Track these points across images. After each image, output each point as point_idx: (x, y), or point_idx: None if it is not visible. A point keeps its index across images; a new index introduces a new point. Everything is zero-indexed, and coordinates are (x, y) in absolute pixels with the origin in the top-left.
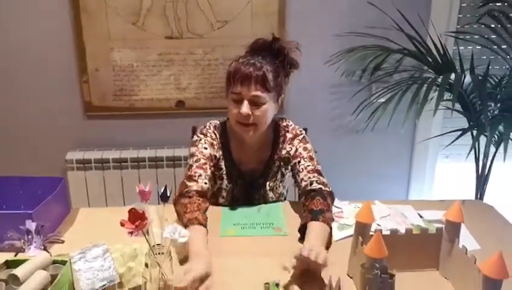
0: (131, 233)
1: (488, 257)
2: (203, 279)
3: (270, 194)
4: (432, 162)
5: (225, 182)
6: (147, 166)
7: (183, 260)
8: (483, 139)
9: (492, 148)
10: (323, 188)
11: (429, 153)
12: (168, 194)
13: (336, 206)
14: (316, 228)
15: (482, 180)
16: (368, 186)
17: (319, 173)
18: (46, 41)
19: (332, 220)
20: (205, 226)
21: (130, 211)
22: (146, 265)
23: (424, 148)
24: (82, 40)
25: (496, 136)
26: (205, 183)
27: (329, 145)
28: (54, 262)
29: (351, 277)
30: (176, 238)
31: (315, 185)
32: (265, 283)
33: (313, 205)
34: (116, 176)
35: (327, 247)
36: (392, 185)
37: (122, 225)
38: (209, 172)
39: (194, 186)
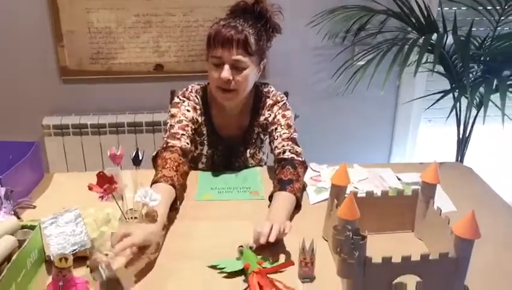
0: (101, 197)
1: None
2: (142, 248)
3: (251, 161)
4: (415, 126)
5: (205, 148)
6: (126, 131)
7: None
8: (464, 102)
9: (474, 111)
10: (295, 157)
11: (412, 116)
12: (140, 158)
13: (313, 170)
14: (282, 198)
15: (462, 143)
16: (349, 151)
17: (294, 142)
18: (17, 2)
19: (303, 189)
20: (176, 190)
21: (98, 175)
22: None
23: (407, 111)
24: (56, 1)
25: (477, 98)
26: (187, 143)
27: (310, 109)
28: (23, 227)
29: (326, 240)
30: (147, 202)
31: (287, 154)
32: (239, 246)
33: (282, 175)
34: (94, 141)
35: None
36: (374, 149)
37: (90, 188)
38: (190, 134)
39: (177, 143)
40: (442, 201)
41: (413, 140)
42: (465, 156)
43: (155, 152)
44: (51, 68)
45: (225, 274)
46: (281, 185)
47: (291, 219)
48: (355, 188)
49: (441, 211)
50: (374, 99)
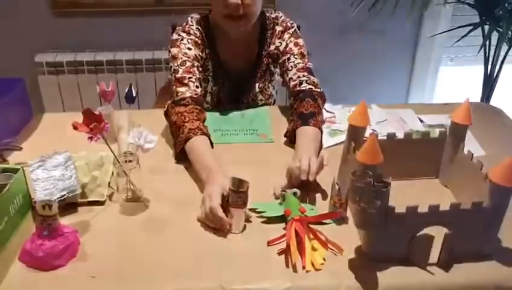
0: (90, 138)
1: (493, 164)
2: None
3: (260, 97)
4: (436, 65)
5: (210, 84)
6: (125, 70)
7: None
8: (494, 38)
9: (505, 48)
10: (313, 88)
11: (433, 54)
12: (134, 95)
13: (328, 111)
14: (307, 133)
15: (490, 83)
16: (364, 90)
17: (310, 72)
18: None
19: (323, 123)
20: (209, 137)
21: (84, 112)
22: (118, 174)
23: (429, 48)
24: None
25: (510, 32)
26: (197, 87)
27: (323, 46)
28: (4, 171)
29: (338, 185)
30: (142, 144)
31: (304, 86)
32: (282, 190)
33: (303, 108)
34: (91, 80)
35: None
36: (391, 88)
37: (75, 127)
38: (198, 75)
39: (186, 92)
40: (470, 145)
41: (433, 80)
42: (492, 98)
43: (166, 105)
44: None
45: (264, 219)
46: (302, 119)
47: None
48: (374, 130)
49: (472, 155)
50: (392, 35)
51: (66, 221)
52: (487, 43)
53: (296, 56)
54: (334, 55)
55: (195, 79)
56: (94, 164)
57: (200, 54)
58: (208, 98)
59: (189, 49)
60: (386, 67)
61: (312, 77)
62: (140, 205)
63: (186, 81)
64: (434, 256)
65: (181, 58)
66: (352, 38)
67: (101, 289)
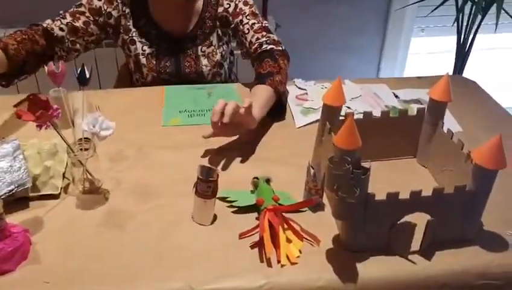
0: (39, 126)
1: (471, 141)
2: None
3: (204, 62)
4: (407, 36)
5: (139, 45)
6: None
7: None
8: (467, 7)
9: (479, 17)
10: (274, 47)
11: (404, 25)
12: (88, 75)
13: (299, 87)
14: (258, 91)
15: (462, 53)
16: (334, 64)
17: (268, 31)
18: None
19: (283, 84)
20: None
21: (28, 98)
22: (73, 164)
23: (400, 19)
24: None
25: (484, 1)
26: (61, 29)
27: (292, 18)
28: None
29: (314, 169)
30: (97, 132)
31: (265, 47)
32: (254, 178)
33: (261, 68)
34: None
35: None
36: (361, 62)
37: (19, 116)
38: (78, 24)
39: (44, 23)
40: (446, 120)
41: (404, 52)
42: (464, 70)
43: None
44: None
45: (235, 209)
46: (259, 79)
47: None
48: (348, 108)
49: (452, 134)
50: (362, 6)
51: (15, 219)
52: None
53: (248, 17)
54: (303, 28)
55: (67, 23)
56: (47, 152)
57: (109, 10)
58: (144, 60)
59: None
60: (357, 39)
61: (272, 35)
62: (99, 197)
63: (56, 18)
64: (414, 244)
65: (82, 1)
66: (319, 10)
67: None
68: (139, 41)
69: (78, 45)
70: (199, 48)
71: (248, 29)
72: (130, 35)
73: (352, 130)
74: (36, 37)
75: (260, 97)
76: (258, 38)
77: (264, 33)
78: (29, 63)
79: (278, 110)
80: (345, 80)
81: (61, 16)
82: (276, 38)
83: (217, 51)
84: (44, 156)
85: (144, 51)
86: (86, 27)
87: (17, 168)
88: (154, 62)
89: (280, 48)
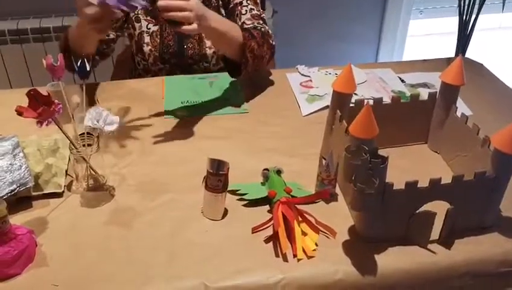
0: (40, 123)
1: (483, 124)
2: None
3: (208, 43)
4: (405, 18)
5: (144, 23)
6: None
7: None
8: None
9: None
10: (266, 37)
11: (403, 6)
12: (88, 68)
13: (302, 74)
14: (229, 20)
15: (465, 35)
16: (333, 50)
17: (264, 21)
18: None
19: (254, 55)
20: None
21: (29, 94)
22: (75, 160)
23: (398, 1)
24: None
25: None
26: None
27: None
28: None
29: (324, 159)
30: (101, 127)
31: (258, 31)
32: (264, 169)
33: (251, 29)
34: (38, 50)
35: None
36: (360, 46)
37: (19, 113)
38: None
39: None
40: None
41: (402, 35)
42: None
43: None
44: None
45: (246, 202)
46: (243, 28)
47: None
48: (354, 94)
49: (467, 118)
50: None
51: (18, 220)
52: None
53: (249, 1)
54: (300, 13)
55: None
56: (48, 149)
57: None
58: (147, 39)
59: None
60: (355, 23)
61: (266, 27)
62: (104, 194)
63: None
64: (433, 233)
65: None
66: None
67: None
68: (144, 20)
69: (111, 35)
70: None
71: (246, 11)
72: (135, 12)
73: (370, 118)
74: None
75: (224, 23)
76: (253, 23)
77: (260, 22)
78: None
79: (234, 72)
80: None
81: None
82: (270, 31)
83: None
84: (44, 153)
85: (149, 29)
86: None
87: (18, 167)
88: (158, 41)
89: (271, 41)
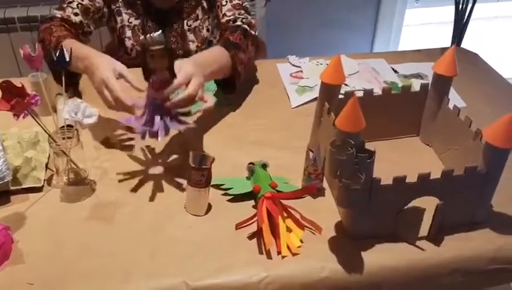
0: (17, 116)
1: (477, 117)
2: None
3: (190, 37)
4: (401, 7)
5: (125, 17)
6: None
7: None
8: None
9: None
10: (248, 29)
11: None
12: (67, 58)
13: (293, 64)
14: (214, 51)
15: (461, 24)
16: (327, 39)
17: (246, 10)
18: None
19: (244, 64)
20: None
21: (1, 86)
22: (56, 154)
23: None
24: None
25: None
26: (76, 14)
27: None
28: None
29: (312, 151)
30: (79, 119)
31: (239, 24)
32: (249, 163)
33: (231, 37)
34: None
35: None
36: (355, 36)
37: None
38: (85, 2)
39: (58, 14)
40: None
41: (398, 24)
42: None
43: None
44: None
45: (230, 197)
46: (225, 44)
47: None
48: (345, 84)
49: (459, 110)
50: None
51: None
52: None
53: None
54: (295, 2)
55: (78, 5)
56: (28, 142)
57: None
58: (129, 33)
59: None
60: (350, 12)
61: (249, 17)
62: (85, 188)
63: (65, 4)
64: (422, 229)
65: None
66: None
67: None
68: (125, 13)
69: (91, 27)
70: (185, 21)
71: (226, 1)
72: (116, 5)
73: (356, 111)
74: (67, 26)
75: (217, 57)
76: (234, 14)
77: (242, 11)
78: None
79: (227, 87)
80: (342, 55)
81: (67, 2)
82: (253, 21)
83: (203, 25)
84: (24, 146)
85: (130, 23)
86: (92, 2)
87: None
88: (141, 35)
89: (253, 33)
